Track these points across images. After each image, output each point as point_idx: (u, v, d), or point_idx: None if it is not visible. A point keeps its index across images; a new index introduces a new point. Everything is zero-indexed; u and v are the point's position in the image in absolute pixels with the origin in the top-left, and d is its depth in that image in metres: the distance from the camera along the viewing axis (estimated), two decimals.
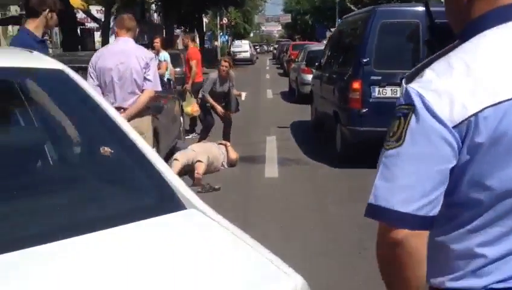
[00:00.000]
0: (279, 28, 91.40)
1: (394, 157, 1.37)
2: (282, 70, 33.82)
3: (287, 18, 72.64)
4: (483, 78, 1.34)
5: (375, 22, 8.20)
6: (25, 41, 4.39)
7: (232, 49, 52.07)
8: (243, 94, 10.59)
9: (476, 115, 1.31)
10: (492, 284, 1.42)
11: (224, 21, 62.25)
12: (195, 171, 7.66)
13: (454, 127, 1.32)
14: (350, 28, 10.10)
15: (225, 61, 9.82)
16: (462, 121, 1.32)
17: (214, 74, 9.81)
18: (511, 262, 1.42)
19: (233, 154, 8.75)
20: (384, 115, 7.96)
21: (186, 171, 7.84)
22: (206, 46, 47.92)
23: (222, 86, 9.76)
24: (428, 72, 1.40)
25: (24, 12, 17.49)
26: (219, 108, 9.78)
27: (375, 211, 1.38)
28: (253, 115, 14.52)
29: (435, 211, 1.36)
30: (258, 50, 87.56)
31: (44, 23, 4.71)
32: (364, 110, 8.12)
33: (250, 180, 7.92)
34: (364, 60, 8.14)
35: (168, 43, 32.41)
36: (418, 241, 1.37)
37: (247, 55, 50.02)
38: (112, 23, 24.62)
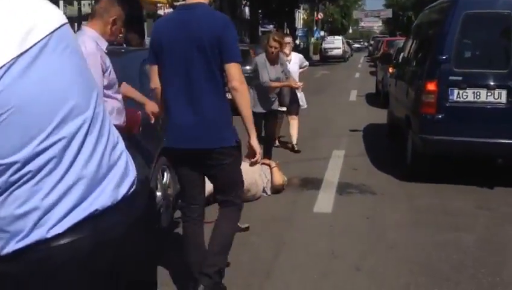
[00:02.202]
0: (380, 23, 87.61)
1: None
2: (374, 68, 31.59)
3: (388, 13, 69.06)
4: None
5: (457, 13, 6.87)
6: None
7: (323, 45, 49.32)
8: (299, 84, 8.50)
9: None
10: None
11: (319, 16, 60.23)
12: None
13: None
14: (429, 20, 8.50)
15: (275, 40, 7.34)
16: None
17: (261, 57, 7.54)
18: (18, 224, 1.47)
19: (279, 178, 7.04)
20: (464, 122, 6.91)
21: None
22: (297, 42, 46.12)
23: (275, 71, 7.54)
24: None
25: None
26: (292, 83, 7.89)
27: None
28: (326, 122, 12.82)
29: None
30: (356, 46, 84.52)
31: None
32: (439, 116, 6.84)
33: (292, 218, 6.09)
34: (443, 57, 6.83)
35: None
36: None
37: (339, 52, 47.11)
38: None
